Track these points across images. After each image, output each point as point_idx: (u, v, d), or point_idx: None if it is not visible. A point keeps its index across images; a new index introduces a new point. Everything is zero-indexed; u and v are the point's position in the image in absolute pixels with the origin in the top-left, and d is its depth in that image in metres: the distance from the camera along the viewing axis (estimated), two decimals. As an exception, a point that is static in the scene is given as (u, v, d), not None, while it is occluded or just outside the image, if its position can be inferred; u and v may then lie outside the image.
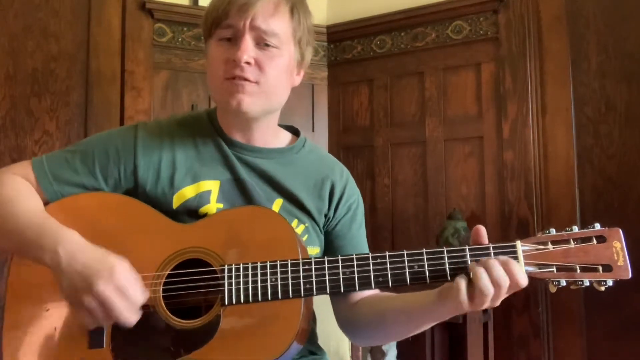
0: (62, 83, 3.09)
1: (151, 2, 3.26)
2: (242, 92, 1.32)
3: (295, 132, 1.57)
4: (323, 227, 1.50)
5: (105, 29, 3.21)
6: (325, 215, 1.49)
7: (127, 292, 1.17)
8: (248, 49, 1.31)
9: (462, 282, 1.16)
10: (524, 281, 1.16)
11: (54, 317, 1.26)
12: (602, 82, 2.96)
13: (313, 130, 3.64)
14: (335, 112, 3.73)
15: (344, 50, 3.69)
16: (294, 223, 1.43)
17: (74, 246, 1.21)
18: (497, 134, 3.20)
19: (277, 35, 1.35)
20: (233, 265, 1.24)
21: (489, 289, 1.14)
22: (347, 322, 1.49)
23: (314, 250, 1.47)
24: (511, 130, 3.14)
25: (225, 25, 1.33)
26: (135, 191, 1.39)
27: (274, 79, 1.35)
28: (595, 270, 1.16)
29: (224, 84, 1.33)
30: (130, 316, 1.18)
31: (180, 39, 3.35)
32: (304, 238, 1.44)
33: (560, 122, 3.05)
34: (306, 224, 1.45)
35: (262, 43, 1.34)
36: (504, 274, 1.14)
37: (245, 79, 1.32)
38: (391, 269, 1.20)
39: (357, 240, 1.54)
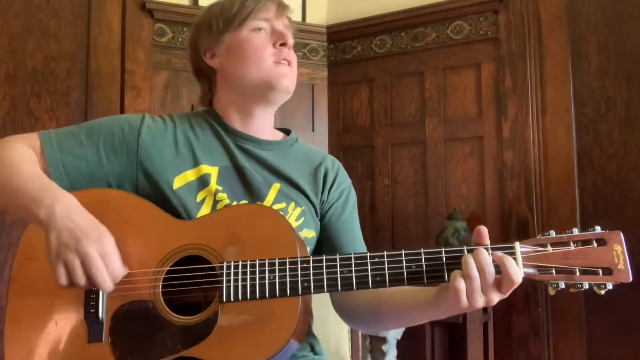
0: (62, 83, 3.09)
1: (151, 2, 3.27)
2: (291, 72, 1.51)
3: (286, 132, 1.66)
4: (318, 210, 1.55)
5: (105, 29, 3.21)
6: (320, 199, 1.55)
7: (109, 260, 1.19)
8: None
9: (458, 276, 1.16)
10: (517, 275, 1.15)
11: (55, 311, 1.27)
12: (602, 82, 2.96)
13: (313, 130, 3.64)
14: (335, 112, 3.73)
15: (344, 50, 3.69)
16: (291, 206, 1.48)
17: (70, 207, 1.23)
18: (497, 134, 3.21)
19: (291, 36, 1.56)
20: (232, 262, 1.25)
21: (475, 274, 1.14)
22: (343, 307, 1.53)
23: (310, 234, 1.51)
24: (511, 130, 3.14)
25: (262, 17, 1.50)
26: (136, 172, 1.42)
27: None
28: (595, 273, 1.15)
29: (274, 66, 1.48)
30: (107, 282, 1.19)
31: (180, 39, 3.35)
32: (300, 220, 1.48)
33: (560, 122, 3.05)
34: (303, 207, 1.50)
35: None
36: (489, 261, 1.15)
37: (290, 62, 1.51)
38: (389, 268, 1.21)
39: (350, 222, 1.59)
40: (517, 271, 1.15)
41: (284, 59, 1.49)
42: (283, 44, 1.49)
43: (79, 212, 1.23)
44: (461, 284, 1.15)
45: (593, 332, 2.92)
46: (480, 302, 1.16)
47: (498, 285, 1.16)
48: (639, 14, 2.89)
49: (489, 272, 1.14)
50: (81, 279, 1.18)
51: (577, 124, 3.01)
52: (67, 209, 1.22)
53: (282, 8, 1.53)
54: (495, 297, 1.17)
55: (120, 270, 1.21)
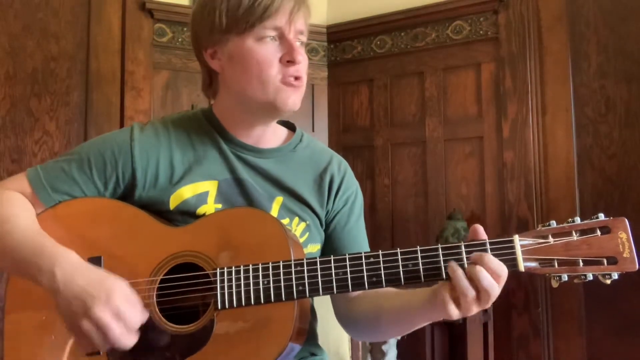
0: (62, 83, 3.09)
1: (151, 2, 3.26)
2: (299, 89, 1.36)
3: (290, 126, 1.56)
4: (323, 221, 1.49)
5: (105, 29, 3.21)
6: (325, 209, 1.48)
7: (124, 317, 1.14)
8: (302, 50, 1.36)
9: (446, 295, 1.14)
10: (501, 268, 1.11)
11: (51, 325, 1.25)
12: (602, 82, 2.96)
13: (313, 130, 3.65)
14: (335, 112, 3.73)
15: (344, 50, 3.69)
16: (295, 221, 1.42)
17: (71, 267, 1.18)
18: (497, 134, 3.20)
19: (306, 35, 1.41)
20: (225, 268, 1.23)
21: (470, 290, 1.11)
22: (345, 316, 1.49)
23: (315, 248, 1.46)
24: (511, 130, 3.14)
25: (271, 26, 1.33)
26: (132, 193, 1.37)
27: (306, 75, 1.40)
28: (599, 263, 1.10)
29: (280, 87, 1.34)
30: (127, 340, 1.15)
31: (180, 39, 3.35)
32: (305, 236, 1.43)
33: (560, 122, 3.04)
34: (307, 222, 1.44)
35: (298, 41, 1.37)
36: (486, 275, 1.11)
37: (299, 77, 1.35)
38: (385, 268, 1.18)
39: (355, 232, 1.52)
40: (501, 265, 1.12)
41: (291, 77, 1.34)
42: (291, 61, 1.34)
43: (81, 270, 1.19)
44: (454, 311, 1.13)
45: (593, 332, 2.92)
46: (474, 311, 1.14)
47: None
48: (639, 14, 2.89)
49: (486, 285, 1.11)
50: (102, 346, 1.15)
51: (577, 124, 3.01)
52: (68, 272, 1.17)
53: (298, 9, 1.34)
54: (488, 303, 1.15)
55: (138, 320, 1.16)
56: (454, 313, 1.13)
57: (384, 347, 3.06)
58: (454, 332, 3.21)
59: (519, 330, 3.07)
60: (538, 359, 3.01)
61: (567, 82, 3.04)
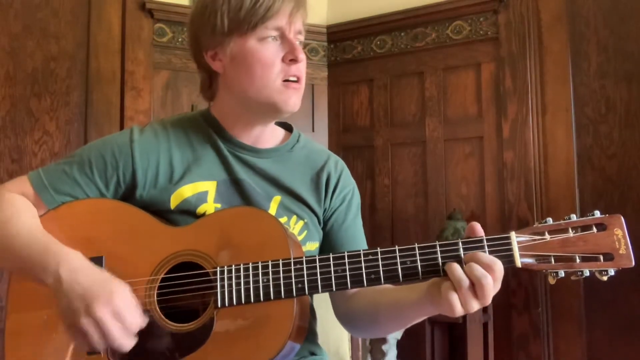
0: (62, 83, 3.09)
1: (151, 2, 3.27)
2: (300, 89, 1.39)
3: (287, 127, 1.57)
4: (321, 219, 1.50)
5: (105, 29, 3.22)
6: (322, 207, 1.50)
7: (124, 317, 1.15)
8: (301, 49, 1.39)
9: (448, 286, 1.14)
10: (492, 261, 1.12)
11: (53, 324, 1.26)
12: (602, 82, 2.97)
13: (313, 130, 3.65)
14: (335, 112, 3.74)
15: (344, 50, 3.70)
16: (293, 220, 1.44)
17: (75, 267, 1.20)
18: (497, 134, 3.21)
19: (304, 35, 1.44)
20: (225, 267, 1.24)
21: (464, 281, 1.12)
22: (344, 314, 1.49)
23: (314, 246, 1.48)
24: (511, 130, 3.14)
25: (272, 26, 1.36)
26: (132, 193, 1.38)
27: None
28: (595, 259, 1.11)
29: (282, 87, 1.37)
30: (125, 342, 1.16)
31: (180, 39, 3.36)
32: (304, 234, 1.45)
33: (560, 122, 3.05)
34: (305, 220, 1.45)
35: (297, 41, 1.41)
36: (477, 266, 1.12)
37: (300, 78, 1.39)
38: (383, 265, 1.19)
39: (352, 230, 1.53)
40: (496, 261, 1.12)
41: (293, 76, 1.37)
42: (293, 60, 1.37)
43: (85, 270, 1.20)
44: (454, 298, 1.13)
45: (593, 332, 2.92)
46: (474, 307, 1.14)
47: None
48: (639, 14, 2.89)
49: (482, 278, 1.11)
50: (99, 344, 1.16)
51: (577, 124, 3.01)
52: (72, 270, 1.19)
53: (297, 9, 1.37)
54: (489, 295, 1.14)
55: (137, 323, 1.18)
56: (456, 304, 1.13)
57: (383, 347, 3.06)
58: (454, 332, 3.21)
59: (519, 330, 3.07)
60: (538, 359, 3.01)
61: (567, 82, 3.04)
